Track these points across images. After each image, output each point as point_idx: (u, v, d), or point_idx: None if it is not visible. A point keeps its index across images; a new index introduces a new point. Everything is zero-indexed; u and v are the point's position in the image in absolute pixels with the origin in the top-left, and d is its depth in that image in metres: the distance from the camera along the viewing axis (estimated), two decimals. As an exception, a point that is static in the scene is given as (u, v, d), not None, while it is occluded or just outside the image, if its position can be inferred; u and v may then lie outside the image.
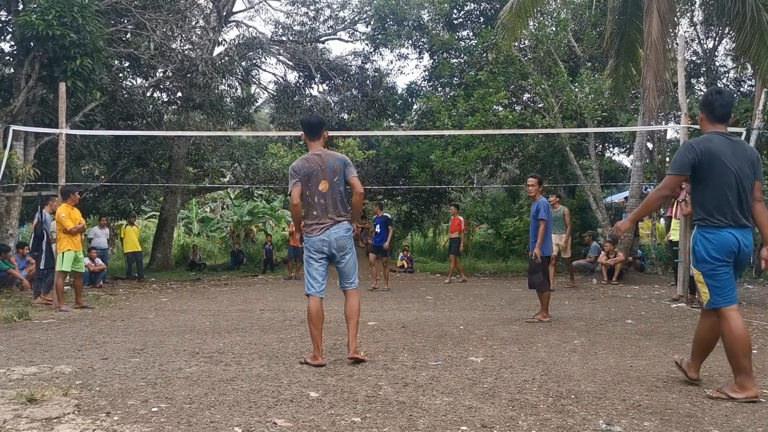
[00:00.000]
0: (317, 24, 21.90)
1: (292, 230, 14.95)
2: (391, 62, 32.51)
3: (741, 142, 4.27)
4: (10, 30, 12.79)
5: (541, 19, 16.32)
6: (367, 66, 21.95)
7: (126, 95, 15.63)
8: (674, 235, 11.00)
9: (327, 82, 21.40)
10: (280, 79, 22.01)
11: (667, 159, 18.84)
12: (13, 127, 10.52)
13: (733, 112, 16.08)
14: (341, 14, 22.04)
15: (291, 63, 21.27)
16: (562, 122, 15.66)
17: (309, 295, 5.13)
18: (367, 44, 21.64)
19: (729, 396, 3.97)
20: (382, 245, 12.84)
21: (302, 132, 5.18)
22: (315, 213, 4.98)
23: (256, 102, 24.10)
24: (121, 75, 16.07)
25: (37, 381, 4.47)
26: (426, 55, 20.90)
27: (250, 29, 21.17)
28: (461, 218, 15.47)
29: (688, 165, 4.06)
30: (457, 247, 14.92)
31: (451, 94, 18.68)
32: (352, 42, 22.95)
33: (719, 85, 17.32)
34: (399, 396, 4.08)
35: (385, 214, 13.61)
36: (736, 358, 3.99)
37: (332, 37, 22.47)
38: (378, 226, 13.13)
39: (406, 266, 18.51)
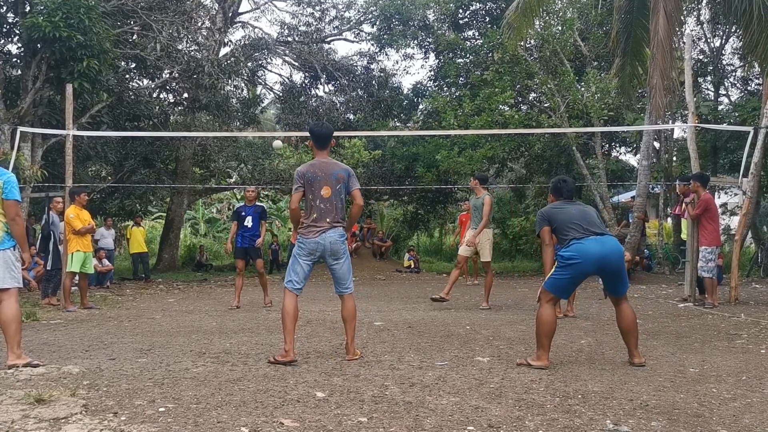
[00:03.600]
0: (323, 24, 21.90)
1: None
2: (397, 62, 32.57)
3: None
4: (18, 32, 12.85)
5: (547, 18, 16.27)
6: (372, 66, 21.96)
7: (132, 96, 15.68)
8: (685, 234, 10.98)
9: (333, 82, 21.40)
10: (286, 80, 22.04)
11: (674, 158, 18.78)
12: (21, 128, 10.55)
13: (741, 112, 16.08)
14: (347, 15, 22.05)
15: (297, 63, 21.28)
16: (569, 122, 15.62)
17: (286, 289, 5.21)
18: (372, 44, 21.65)
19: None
20: None
21: (311, 139, 5.29)
22: (314, 216, 5.12)
23: (262, 103, 24.15)
24: (127, 76, 16.13)
25: (45, 381, 4.49)
26: (432, 55, 20.89)
27: (256, 30, 21.24)
28: None
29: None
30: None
31: (457, 94, 18.66)
32: (357, 42, 22.96)
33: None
34: (405, 396, 4.08)
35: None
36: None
37: (338, 37, 22.48)
38: None
39: (412, 266, 18.51)
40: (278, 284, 14.33)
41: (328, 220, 5.11)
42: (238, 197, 27.99)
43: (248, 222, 9.44)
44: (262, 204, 10.81)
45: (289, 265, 5.31)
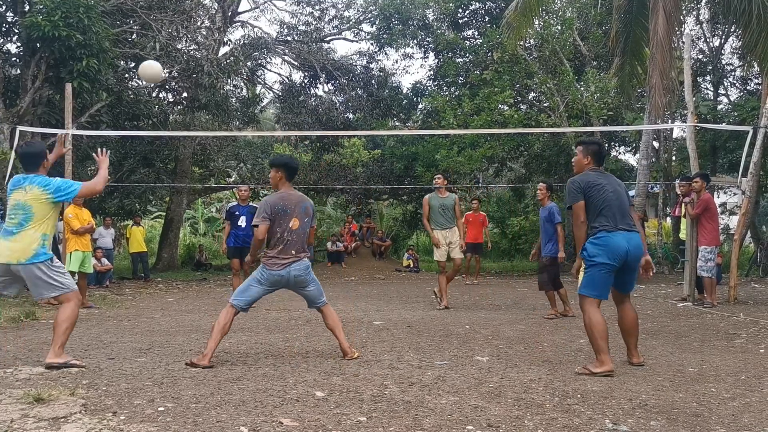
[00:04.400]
0: (322, 24, 21.90)
1: None
2: (396, 62, 32.40)
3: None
4: (17, 31, 12.84)
5: (547, 18, 16.29)
6: (372, 65, 21.96)
7: (132, 96, 15.67)
8: (684, 234, 11.00)
9: (332, 81, 21.40)
10: (286, 79, 22.05)
11: (674, 157, 18.80)
12: (20, 127, 10.54)
13: (740, 111, 16.10)
14: (346, 14, 22.05)
15: (296, 63, 21.28)
16: (568, 121, 15.63)
17: (231, 305, 5.18)
18: (372, 44, 21.65)
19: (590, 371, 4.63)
20: None
21: (281, 170, 5.32)
22: (280, 248, 5.16)
23: (262, 102, 24.14)
24: (126, 75, 16.11)
25: (44, 381, 4.49)
26: (431, 55, 20.89)
27: (256, 29, 21.22)
28: (484, 213, 14.94)
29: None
30: (482, 247, 14.41)
31: (457, 93, 18.67)
32: (357, 42, 22.98)
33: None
34: (405, 395, 4.08)
35: None
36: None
37: (337, 36, 22.48)
38: None
39: (411, 266, 18.51)
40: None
41: (293, 251, 5.17)
42: (237, 197, 27.99)
43: (242, 222, 9.46)
44: (255, 205, 10.83)
45: (246, 283, 5.27)
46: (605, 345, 4.67)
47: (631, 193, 17.16)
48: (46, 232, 4.87)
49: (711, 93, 19.43)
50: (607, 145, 19.78)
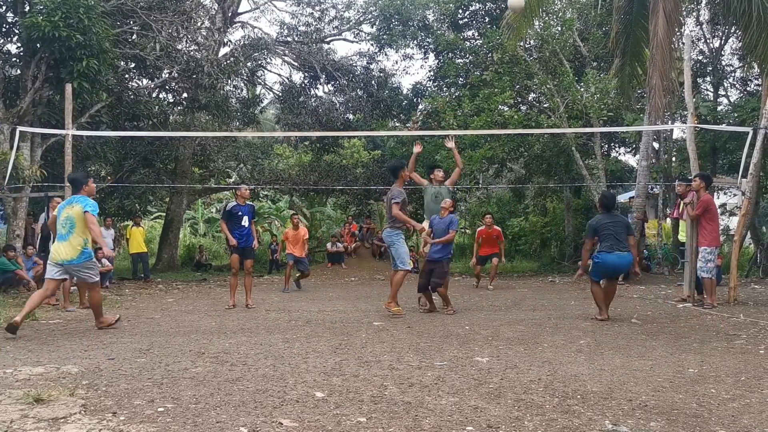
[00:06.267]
0: (322, 24, 21.88)
1: (285, 239, 13.51)
2: (396, 62, 32.58)
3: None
4: (17, 31, 12.83)
5: (547, 18, 16.27)
6: (372, 66, 21.93)
7: (132, 96, 15.66)
8: (683, 236, 10.99)
9: (332, 82, 21.38)
10: (286, 80, 22.02)
11: (674, 158, 18.80)
12: (20, 128, 10.53)
13: (740, 112, 16.10)
14: (346, 15, 22.01)
15: (296, 63, 21.26)
16: (568, 122, 15.62)
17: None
18: (372, 44, 21.62)
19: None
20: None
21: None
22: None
23: (262, 103, 24.13)
24: (127, 76, 16.10)
25: (44, 381, 4.49)
26: (431, 56, 20.87)
27: (256, 30, 21.18)
28: (499, 229, 13.66)
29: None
30: (498, 254, 13.06)
31: (457, 94, 18.65)
32: (357, 42, 22.92)
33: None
34: (404, 396, 4.08)
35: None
36: None
37: (337, 37, 22.45)
38: None
39: (412, 267, 18.47)
40: (277, 284, 14.32)
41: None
42: (238, 196, 27.95)
43: (245, 222, 9.56)
44: (254, 204, 10.92)
45: (403, 248, 8.51)
46: (603, 305, 7.89)
47: (631, 194, 17.24)
48: (86, 237, 7.01)
49: (711, 94, 19.41)
50: (607, 146, 19.80)
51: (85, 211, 6.96)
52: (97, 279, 7.23)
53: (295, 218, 13.82)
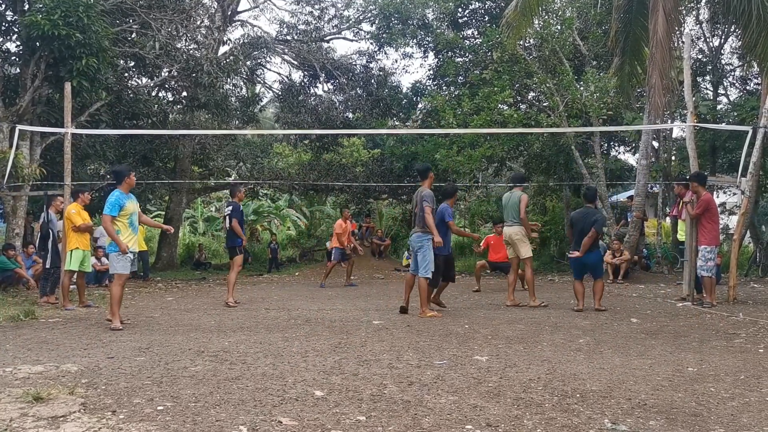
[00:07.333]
0: (322, 23, 21.87)
1: (339, 231, 13.59)
2: (396, 61, 32.38)
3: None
4: (16, 30, 12.81)
5: (546, 17, 16.26)
6: (371, 65, 21.92)
7: (131, 95, 15.65)
8: (681, 235, 10.99)
9: (332, 81, 21.37)
10: (285, 79, 22.01)
11: (673, 157, 18.79)
12: (20, 126, 10.53)
13: (740, 111, 16.10)
14: (346, 13, 22.01)
15: (296, 62, 21.25)
16: (568, 121, 15.61)
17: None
18: (371, 43, 21.61)
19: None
20: None
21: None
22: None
23: (261, 101, 24.13)
24: (126, 74, 16.09)
25: (44, 380, 4.49)
26: (431, 54, 20.85)
27: (255, 29, 21.19)
28: None
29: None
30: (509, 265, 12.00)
31: (456, 92, 18.64)
32: (356, 41, 22.93)
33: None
34: (404, 395, 4.08)
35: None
36: None
37: (337, 36, 22.44)
38: None
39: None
40: (278, 283, 14.33)
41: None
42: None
43: (226, 222, 9.77)
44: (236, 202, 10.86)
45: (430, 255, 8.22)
46: (581, 297, 8.69)
47: (631, 192, 17.23)
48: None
49: (710, 93, 19.39)
50: (606, 144, 19.78)
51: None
52: (118, 272, 7.32)
53: (346, 211, 14.85)
